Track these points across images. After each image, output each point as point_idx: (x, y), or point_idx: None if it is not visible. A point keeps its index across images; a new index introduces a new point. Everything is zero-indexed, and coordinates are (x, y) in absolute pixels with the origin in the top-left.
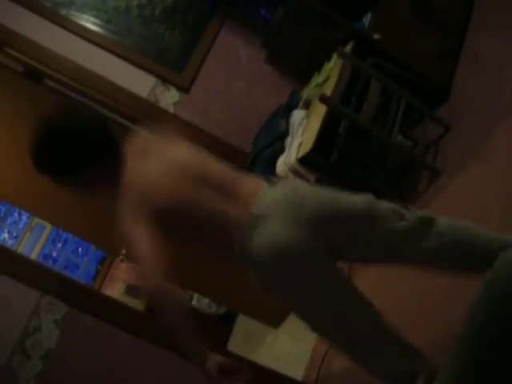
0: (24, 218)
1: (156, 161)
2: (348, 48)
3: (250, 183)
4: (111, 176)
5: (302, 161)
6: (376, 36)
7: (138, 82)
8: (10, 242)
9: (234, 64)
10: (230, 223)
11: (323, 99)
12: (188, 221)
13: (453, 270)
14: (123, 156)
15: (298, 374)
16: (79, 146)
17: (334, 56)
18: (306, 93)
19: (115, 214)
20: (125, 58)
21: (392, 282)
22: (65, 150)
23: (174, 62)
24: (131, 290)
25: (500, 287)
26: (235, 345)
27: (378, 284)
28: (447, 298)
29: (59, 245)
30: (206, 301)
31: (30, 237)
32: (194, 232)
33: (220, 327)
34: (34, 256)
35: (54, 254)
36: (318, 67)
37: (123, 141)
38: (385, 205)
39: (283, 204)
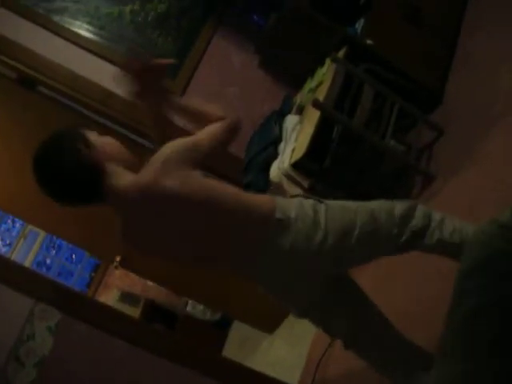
0: (17, 225)
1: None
2: (341, 53)
3: (264, 201)
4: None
5: (296, 166)
6: (369, 41)
7: None
8: (3, 250)
9: (228, 70)
10: (253, 228)
11: (316, 104)
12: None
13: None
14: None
15: (293, 379)
16: (66, 187)
17: (327, 61)
18: (299, 98)
19: (109, 221)
20: (118, 64)
21: (390, 283)
22: (54, 189)
23: (168, 68)
24: (126, 297)
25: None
26: (230, 351)
27: (377, 285)
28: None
29: (53, 252)
30: (200, 307)
31: (24, 244)
32: (214, 242)
33: (215, 333)
34: (27, 263)
35: (48, 261)
36: (311, 72)
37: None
38: (387, 224)
39: (292, 253)
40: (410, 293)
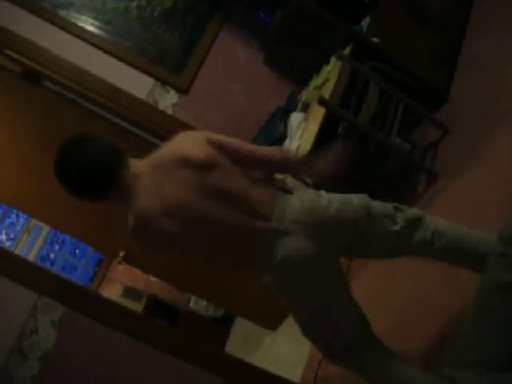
0: (21, 219)
1: (170, 180)
2: (347, 51)
3: (267, 195)
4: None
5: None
6: (374, 39)
7: (136, 83)
8: (7, 244)
9: (233, 66)
10: (251, 237)
11: (322, 102)
12: (209, 237)
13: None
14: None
15: (295, 376)
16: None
17: (333, 59)
18: (304, 95)
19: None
20: (124, 60)
21: (390, 285)
22: (75, 185)
23: (173, 64)
24: (129, 292)
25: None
26: (233, 347)
27: (378, 285)
28: (446, 296)
29: (57, 246)
30: (203, 303)
31: (28, 238)
32: (217, 245)
33: (217, 330)
34: (31, 258)
35: (52, 255)
36: (317, 70)
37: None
38: (379, 208)
39: (301, 220)
40: (409, 293)
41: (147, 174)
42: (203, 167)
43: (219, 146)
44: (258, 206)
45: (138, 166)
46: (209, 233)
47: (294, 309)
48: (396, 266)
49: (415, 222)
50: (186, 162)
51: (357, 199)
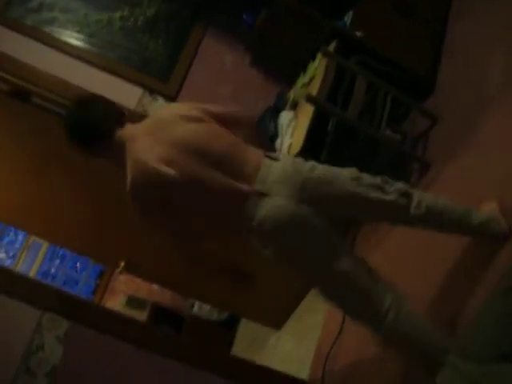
0: (20, 237)
1: (161, 140)
2: (331, 47)
3: (253, 158)
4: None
5: None
6: (358, 33)
7: (125, 93)
8: (7, 262)
9: (220, 69)
10: (236, 197)
11: (310, 99)
12: (197, 198)
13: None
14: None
15: (303, 373)
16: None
17: (318, 55)
18: (292, 94)
19: (110, 228)
20: (111, 71)
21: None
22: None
23: (160, 72)
24: (132, 302)
25: None
26: (240, 349)
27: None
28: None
29: (57, 261)
30: (207, 308)
31: (28, 255)
32: (203, 207)
33: (223, 333)
34: (32, 274)
35: (53, 270)
36: (303, 67)
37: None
38: (368, 179)
39: (283, 181)
40: (416, 278)
41: (142, 136)
42: (193, 121)
43: (205, 112)
44: (244, 169)
45: (134, 128)
46: (197, 193)
47: (290, 264)
48: (402, 251)
49: (405, 195)
50: (177, 120)
51: (346, 172)
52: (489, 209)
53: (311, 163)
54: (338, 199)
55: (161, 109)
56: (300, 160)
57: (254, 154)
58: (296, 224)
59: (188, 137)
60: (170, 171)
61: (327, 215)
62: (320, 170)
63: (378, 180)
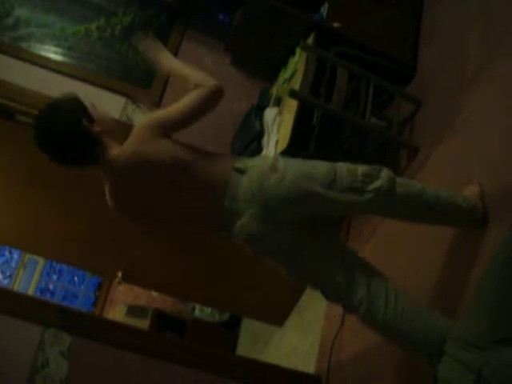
0: (15, 255)
1: (137, 179)
2: (310, 40)
3: (221, 172)
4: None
5: None
6: (336, 24)
7: (108, 104)
8: (5, 282)
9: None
10: (213, 218)
11: (293, 94)
12: (172, 214)
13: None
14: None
15: (309, 367)
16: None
17: (298, 50)
18: (275, 90)
19: (104, 239)
20: (92, 82)
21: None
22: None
23: (141, 79)
24: (133, 311)
25: None
26: (244, 348)
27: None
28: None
29: (55, 277)
30: (208, 310)
31: (25, 273)
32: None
33: (226, 334)
34: (31, 292)
35: (51, 286)
36: (284, 63)
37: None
38: (346, 181)
39: (248, 199)
40: (409, 264)
41: (117, 168)
42: (162, 164)
43: (165, 130)
44: (214, 188)
45: (112, 153)
46: (176, 218)
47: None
48: (394, 237)
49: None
50: (145, 163)
51: (322, 172)
52: (470, 192)
53: (282, 169)
54: (306, 208)
55: (130, 142)
56: (269, 168)
57: (222, 167)
58: (261, 241)
59: (158, 159)
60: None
61: (303, 218)
62: (289, 178)
63: (357, 179)
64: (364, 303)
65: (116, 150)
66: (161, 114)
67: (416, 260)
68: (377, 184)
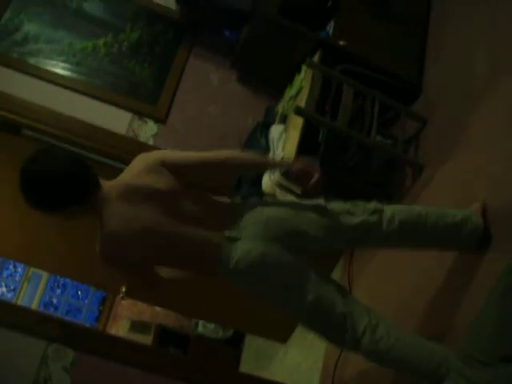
0: (19, 269)
1: (134, 199)
2: (316, 58)
3: (221, 207)
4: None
5: (286, 174)
6: (341, 42)
7: (114, 119)
8: (8, 296)
9: (207, 88)
10: (209, 247)
11: (299, 111)
12: (173, 251)
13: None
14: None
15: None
16: (58, 190)
17: (304, 67)
18: (281, 107)
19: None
20: (99, 98)
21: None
22: (44, 193)
23: (148, 95)
24: (136, 326)
25: None
26: (247, 365)
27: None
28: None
29: (58, 291)
30: (211, 326)
31: (28, 287)
32: (179, 259)
33: (229, 350)
34: (34, 306)
35: (55, 300)
36: (290, 80)
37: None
38: (336, 207)
39: (249, 223)
40: (408, 285)
41: (115, 200)
42: (165, 195)
43: (175, 168)
44: (213, 216)
45: (107, 189)
46: (175, 249)
47: (269, 302)
48: (391, 262)
49: (376, 212)
50: (149, 192)
51: (312, 203)
52: (473, 209)
53: (276, 202)
54: (302, 233)
55: (131, 171)
56: (264, 200)
57: (220, 202)
58: (267, 263)
59: (159, 190)
60: (142, 249)
61: (301, 248)
62: (284, 206)
63: (346, 205)
64: (368, 332)
65: (110, 183)
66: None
67: (409, 285)
68: (366, 206)
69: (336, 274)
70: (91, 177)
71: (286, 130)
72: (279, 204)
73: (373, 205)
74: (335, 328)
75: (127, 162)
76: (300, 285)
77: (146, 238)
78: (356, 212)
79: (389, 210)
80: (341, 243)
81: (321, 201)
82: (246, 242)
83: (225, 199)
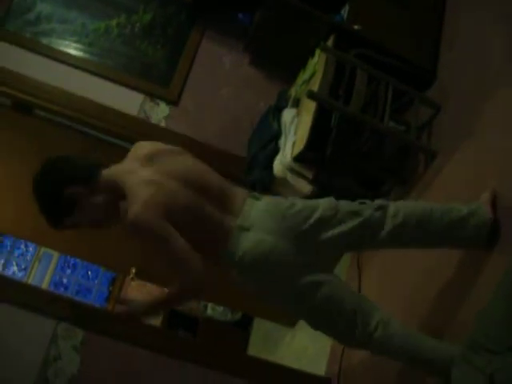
0: (31, 248)
1: (159, 171)
2: (330, 42)
3: (238, 195)
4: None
5: (298, 159)
6: (356, 26)
7: (126, 100)
8: (19, 275)
9: (220, 71)
10: (221, 231)
11: (311, 95)
12: (186, 225)
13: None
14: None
15: (319, 369)
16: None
17: (317, 51)
18: (293, 91)
19: (118, 234)
20: (111, 79)
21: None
22: (48, 204)
23: (160, 77)
24: None
25: None
26: (255, 348)
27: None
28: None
29: (69, 271)
30: (220, 309)
31: (39, 267)
32: (189, 234)
33: (238, 333)
34: (45, 285)
35: (65, 280)
36: (303, 64)
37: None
38: (345, 207)
39: (264, 216)
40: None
41: (140, 168)
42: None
43: None
44: (230, 204)
45: (122, 165)
46: (189, 219)
47: (270, 297)
48: (396, 260)
49: (380, 208)
50: (168, 153)
51: (323, 202)
52: (483, 199)
53: (291, 200)
54: (316, 232)
55: (139, 146)
56: (281, 199)
57: (239, 191)
58: (272, 260)
59: (187, 168)
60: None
61: (314, 249)
62: (299, 205)
63: (355, 205)
64: (380, 327)
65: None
66: None
67: (413, 285)
68: (371, 204)
69: (342, 276)
70: (67, 191)
71: (298, 114)
72: (294, 202)
73: (378, 201)
74: (345, 324)
75: (135, 142)
76: (309, 284)
77: (178, 211)
78: (362, 212)
79: (393, 206)
80: (350, 245)
81: (332, 200)
82: (258, 232)
83: (242, 189)
